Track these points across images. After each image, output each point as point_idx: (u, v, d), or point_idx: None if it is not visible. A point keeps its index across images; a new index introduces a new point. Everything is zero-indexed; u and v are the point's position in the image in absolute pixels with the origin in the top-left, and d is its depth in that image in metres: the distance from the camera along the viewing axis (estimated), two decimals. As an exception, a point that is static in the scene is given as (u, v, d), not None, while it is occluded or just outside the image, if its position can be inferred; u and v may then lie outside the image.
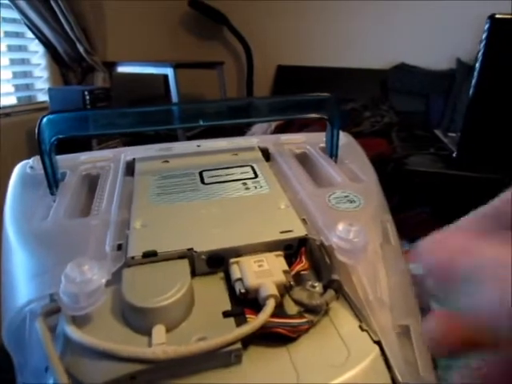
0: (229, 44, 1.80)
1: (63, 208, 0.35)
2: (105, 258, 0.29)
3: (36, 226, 0.33)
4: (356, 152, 0.48)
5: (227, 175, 0.42)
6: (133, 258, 0.30)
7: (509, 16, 0.72)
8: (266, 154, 0.47)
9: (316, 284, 0.30)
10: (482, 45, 0.76)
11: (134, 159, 0.45)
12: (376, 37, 1.65)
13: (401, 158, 0.86)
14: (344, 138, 0.48)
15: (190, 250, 0.31)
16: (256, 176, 0.42)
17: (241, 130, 1.24)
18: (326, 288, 0.29)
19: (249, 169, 0.43)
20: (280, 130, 1.24)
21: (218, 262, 0.31)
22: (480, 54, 0.77)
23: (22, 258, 0.30)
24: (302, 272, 0.32)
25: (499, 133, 0.79)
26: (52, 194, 0.38)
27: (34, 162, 0.42)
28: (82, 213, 0.37)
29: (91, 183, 0.42)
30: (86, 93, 1.15)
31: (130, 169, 0.44)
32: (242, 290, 0.28)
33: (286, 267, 0.30)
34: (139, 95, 1.58)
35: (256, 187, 0.40)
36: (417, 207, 0.83)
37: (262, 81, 1.77)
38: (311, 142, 0.49)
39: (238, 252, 0.31)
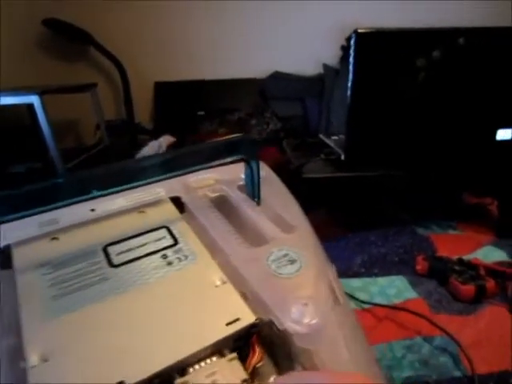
0: (100, 63, 1.58)
1: None
2: None
3: None
4: (276, 187, 0.44)
5: (141, 247, 0.34)
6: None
7: (368, 30, 0.83)
8: (179, 205, 0.41)
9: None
10: (351, 52, 0.82)
11: (9, 245, 0.34)
12: (249, 48, 1.67)
13: (298, 168, 0.89)
14: (261, 170, 0.44)
15: (121, 383, 0.24)
16: (176, 242, 0.35)
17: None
18: None
19: (165, 232, 0.36)
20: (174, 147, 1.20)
21: (160, 387, 0.25)
22: (351, 60, 0.84)
23: None
24: (259, 365, 0.28)
25: (378, 134, 0.91)
26: None
27: None
28: None
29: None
30: None
31: (6, 259, 0.33)
32: None
33: (244, 375, 0.25)
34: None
35: (180, 259, 0.33)
36: (315, 209, 0.87)
37: (141, 100, 1.61)
38: (226, 180, 0.43)
39: (182, 366, 0.25)
